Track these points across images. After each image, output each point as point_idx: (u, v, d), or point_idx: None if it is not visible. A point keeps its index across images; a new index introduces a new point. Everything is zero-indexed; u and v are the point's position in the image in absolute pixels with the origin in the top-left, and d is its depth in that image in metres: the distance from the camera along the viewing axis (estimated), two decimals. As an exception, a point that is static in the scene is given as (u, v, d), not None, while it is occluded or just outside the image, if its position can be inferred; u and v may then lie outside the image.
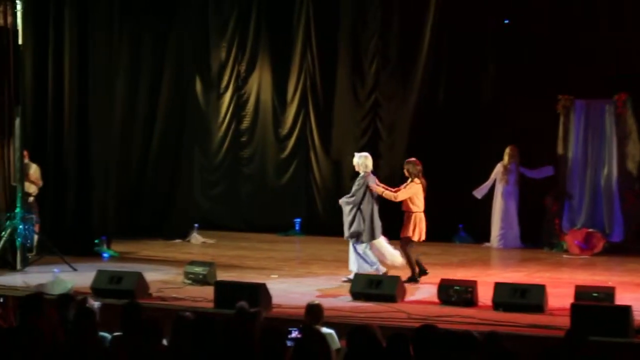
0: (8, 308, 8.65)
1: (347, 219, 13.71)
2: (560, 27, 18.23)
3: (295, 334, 7.81)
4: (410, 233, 13.66)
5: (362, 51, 19.91)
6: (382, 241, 13.77)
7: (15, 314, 8.48)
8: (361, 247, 13.67)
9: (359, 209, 13.62)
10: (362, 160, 13.79)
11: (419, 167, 13.86)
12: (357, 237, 13.62)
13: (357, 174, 13.93)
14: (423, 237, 13.81)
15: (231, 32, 20.89)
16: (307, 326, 8.13)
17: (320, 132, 20.31)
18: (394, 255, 13.75)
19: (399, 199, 13.69)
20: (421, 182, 13.80)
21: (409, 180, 13.80)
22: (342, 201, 13.88)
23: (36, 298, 8.11)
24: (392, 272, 13.42)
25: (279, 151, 20.75)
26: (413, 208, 13.70)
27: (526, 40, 18.46)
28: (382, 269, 13.62)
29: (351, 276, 13.34)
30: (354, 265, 13.68)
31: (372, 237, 13.65)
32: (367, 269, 13.53)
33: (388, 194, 13.68)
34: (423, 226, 13.77)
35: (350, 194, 13.80)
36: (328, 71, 20.22)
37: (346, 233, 13.73)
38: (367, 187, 13.62)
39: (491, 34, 18.92)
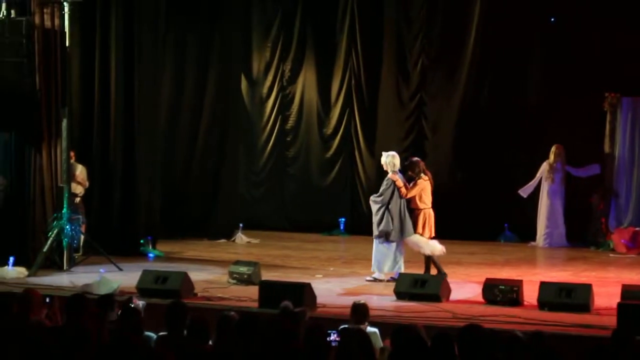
0: (54, 308, 8.72)
1: (375, 218, 13.76)
2: (606, 24, 18.08)
3: (333, 336, 7.79)
4: (420, 230, 13.68)
5: (407, 50, 19.88)
6: (416, 235, 13.73)
7: (61, 314, 8.55)
8: (392, 247, 13.65)
9: (387, 208, 13.64)
10: (390, 159, 13.84)
11: (421, 164, 13.95)
12: (385, 236, 13.64)
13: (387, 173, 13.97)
14: (433, 234, 13.81)
15: (276, 32, 20.93)
16: (347, 328, 8.11)
17: (365, 131, 20.30)
18: (431, 244, 13.71)
19: (409, 196, 13.72)
20: (428, 178, 13.80)
21: (416, 178, 13.78)
22: (371, 200, 13.92)
23: (81, 298, 8.16)
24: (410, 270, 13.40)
25: (323, 151, 20.76)
26: (420, 205, 13.75)
27: (572, 37, 18.34)
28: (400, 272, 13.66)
29: (375, 275, 13.60)
30: (376, 265, 13.72)
31: (402, 235, 13.64)
32: (386, 269, 13.56)
33: (403, 191, 13.67)
34: (432, 222, 13.83)
35: (379, 194, 13.82)
36: (373, 70, 20.20)
37: (375, 232, 13.74)
38: (395, 186, 13.62)
39: (537, 31, 18.83)
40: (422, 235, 13.69)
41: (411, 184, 13.81)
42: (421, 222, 13.70)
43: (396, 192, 13.64)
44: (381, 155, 14.10)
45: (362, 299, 10.35)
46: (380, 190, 13.85)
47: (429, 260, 13.69)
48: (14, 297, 8.58)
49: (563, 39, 18.44)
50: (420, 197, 13.74)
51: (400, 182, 13.67)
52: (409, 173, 13.85)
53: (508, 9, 18.79)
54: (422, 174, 13.82)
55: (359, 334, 7.16)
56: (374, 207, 13.79)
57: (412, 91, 19.90)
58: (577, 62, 18.24)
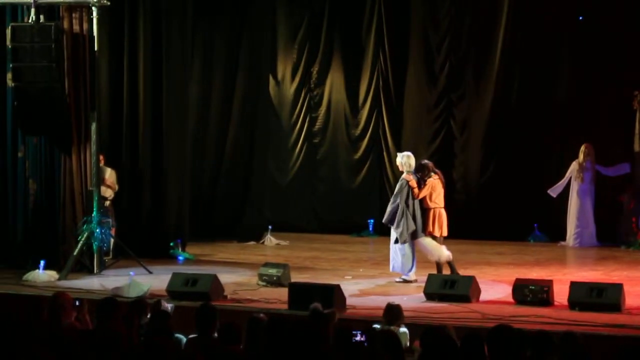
0: (84, 311, 8.76)
1: (397, 222, 13.72)
2: (635, 22, 18.00)
3: (358, 337, 7.79)
4: (431, 228, 13.68)
5: (435, 51, 19.84)
6: (426, 238, 13.73)
7: (91, 317, 8.60)
8: (409, 248, 13.67)
9: (406, 207, 13.61)
10: (406, 160, 13.87)
11: (430, 165, 13.99)
12: (411, 236, 13.63)
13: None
14: (445, 233, 13.81)
15: (303, 34, 20.95)
16: (374, 329, 8.11)
17: (393, 132, 20.28)
18: (438, 250, 13.68)
19: (420, 196, 13.72)
20: (438, 177, 13.81)
21: (426, 178, 13.78)
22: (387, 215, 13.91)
23: (111, 301, 8.21)
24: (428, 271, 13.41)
25: (352, 152, 20.76)
26: (431, 204, 13.74)
27: (601, 36, 18.26)
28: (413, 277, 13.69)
29: (405, 277, 13.63)
30: (399, 266, 13.74)
31: (415, 235, 13.65)
32: (410, 270, 13.62)
33: (415, 191, 13.67)
34: (444, 221, 13.79)
35: (394, 196, 13.85)
36: (400, 72, 20.18)
37: (396, 234, 13.72)
38: (409, 187, 13.62)
39: (565, 31, 18.76)
40: (432, 233, 13.67)
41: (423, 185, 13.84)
42: (431, 221, 13.70)
43: (410, 192, 13.65)
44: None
45: (393, 299, 10.35)
46: (395, 191, 13.90)
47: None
48: (45, 301, 8.63)
49: (591, 38, 18.36)
50: (431, 196, 13.75)
51: (414, 182, 13.68)
52: (418, 175, 13.83)
53: (536, 8, 18.74)
54: (432, 173, 13.81)
55: (388, 334, 7.15)
56: (395, 215, 13.76)
57: (440, 92, 19.86)
58: (606, 60, 18.17)
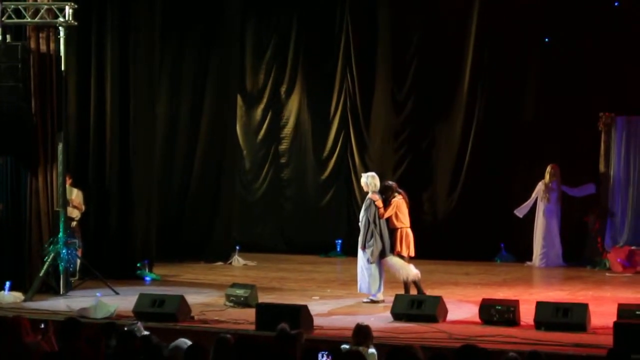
0: (50, 333, 8.71)
1: (366, 241, 13.78)
2: (600, 44, 18.17)
3: (325, 358, 7.76)
4: (399, 248, 13.73)
5: (403, 72, 19.91)
6: (394, 257, 13.77)
7: (57, 339, 8.54)
8: (377, 268, 13.71)
9: (375, 227, 13.68)
10: (370, 180, 13.94)
11: (394, 186, 14.00)
12: (380, 255, 13.69)
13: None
14: (412, 253, 13.84)
15: (270, 55, 20.99)
16: (341, 349, 8.10)
17: (361, 154, 20.33)
18: (406, 269, 13.73)
19: (386, 216, 13.74)
20: (403, 197, 13.84)
21: (390, 199, 13.81)
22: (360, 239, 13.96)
23: (74, 322, 8.16)
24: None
25: (319, 172, 20.77)
26: (398, 224, 13.76)
27: (567, 58, 18.41)
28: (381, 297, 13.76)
29: (372, 297, 13.66)
30: (367, 287, 13.78)
31: (383, 254, 13.71)
32: (378, 290, 13.66)
33: (381, 211, 13.73)
34: (411, 241, 13.82)
35: (361, 216, 13.87)
36: (368, 92, 20.24)
37: (367, 255, 13.77)
38: (375, 206, 13.67)
39: (532, 52, 18.90)
40: (400, 253, 13.71)
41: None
42: (399, 241, 13.72)
43: (377, 212, 13.70)
44: (378, 175, 14.15)
45: (360, 319, 10.35)
46: (362, 211, 13.93)
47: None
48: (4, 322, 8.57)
49: (558, 60, 18.51)
50: (397, 216, 13.78)
51: (380, 202, 13.73)
52: (383, 197, 13.87)
53: (503, 30, 18.88)
54: (395, 193, 13.85)
55: (355, 355, 7.16)
56: (367, 233, 13.82)
57: (407, 113, 19.93)
58: (572, 82, 18.32)
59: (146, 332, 9.63)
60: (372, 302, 13.66)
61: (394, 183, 14.24)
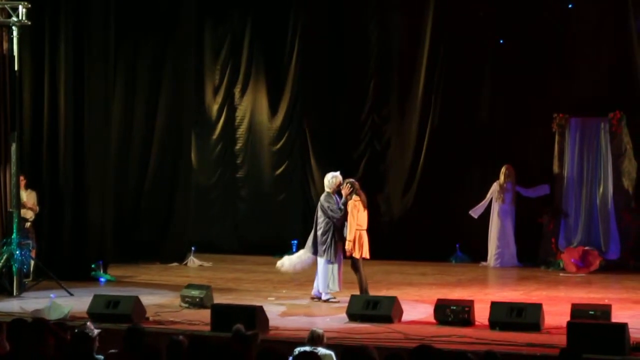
0: (2, 335, 8.62)
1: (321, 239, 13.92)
2: (555, 46, 18.31)
3: None
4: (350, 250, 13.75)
5: (358, 73, 19.93)
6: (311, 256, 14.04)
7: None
8: (327, 268, 13.79)
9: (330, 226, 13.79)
10: (334, 180, 13.90)
11: (356, 185, 13.99)
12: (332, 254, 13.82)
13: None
14: (366, 255, 13.84)
15: (225, 55, 20.95)
16: (302, 352, 8.11)
17: (316, 153, 20.31)
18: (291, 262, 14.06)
19: (349, 200, 13.81)
20: (360, 199, 13.84)
21: (349, 199, 13.85)
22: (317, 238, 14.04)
23: (20, 322, 8.10)
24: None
25: (274, 173, 20.74)
26: (353, 223, 13.75)
27: (521, 59, 18.51)
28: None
29: (326, 296, 13.76)
30: (323, 286, 13.87)
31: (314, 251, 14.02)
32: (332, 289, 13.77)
33: (348, 198, 13.81)
34: (364, 242, 13.80)
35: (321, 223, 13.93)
36: (324, 91, 20.24)
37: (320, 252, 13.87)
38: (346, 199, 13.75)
39: (486, 54, 18.98)
40: (353, 255, 13.72)
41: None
42: (353, 242, 13.73)
43: (330, 208, 13.74)
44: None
45: (316, 320, 10.36)
46: (318, 212, 14.00)
47: (361, 280, 13.75)
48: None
49: (512, 61, 18.61)
50: (353, 215, 13.76)
51: (347, 189, 13.78)
52: (345, 198, 13.88)
53: (459, 31, 18.94)
54: (354, 195, 13.84)
55: (314, 356, 7.15)
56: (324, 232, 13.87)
57: (365, 112, 19.94)
58: (526, 83, 18.43)
59: (97, 331, 9.58)
60: (327, 301, 13.68)
61: (356, 182, 14.19)
